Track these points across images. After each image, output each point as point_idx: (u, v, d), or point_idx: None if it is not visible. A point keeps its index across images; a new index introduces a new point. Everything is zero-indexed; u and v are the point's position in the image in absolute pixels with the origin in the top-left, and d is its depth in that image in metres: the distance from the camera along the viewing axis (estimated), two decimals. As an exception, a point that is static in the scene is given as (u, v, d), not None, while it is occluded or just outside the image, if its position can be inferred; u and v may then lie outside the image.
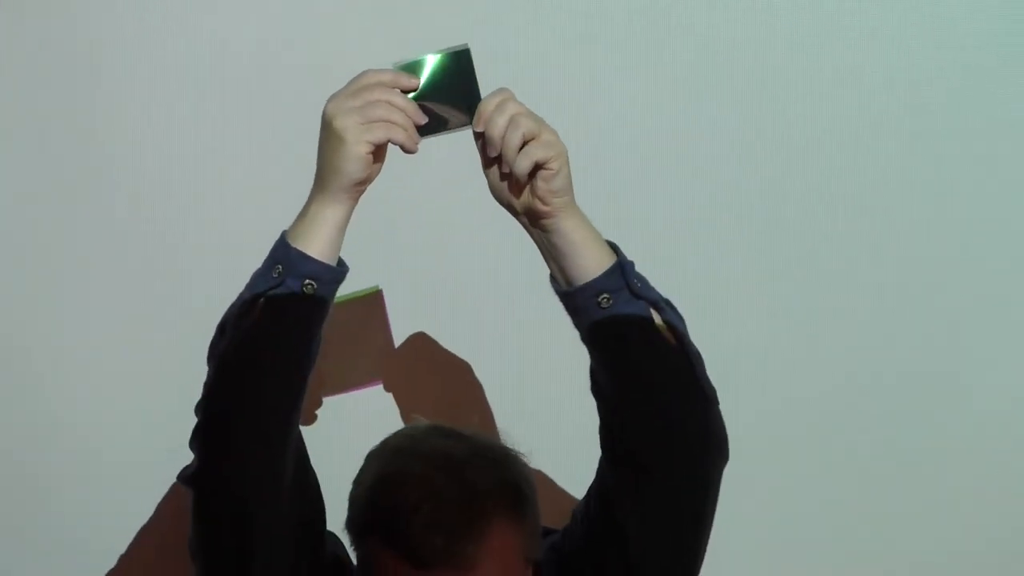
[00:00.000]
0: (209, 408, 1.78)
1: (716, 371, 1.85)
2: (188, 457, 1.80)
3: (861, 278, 2.55)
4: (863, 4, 2.50)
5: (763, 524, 2.58)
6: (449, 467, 1.83)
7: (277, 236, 1.80)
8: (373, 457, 1.90)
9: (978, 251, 2.57)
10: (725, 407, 1.87)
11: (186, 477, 1.81)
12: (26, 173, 2.44)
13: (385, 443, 1.91)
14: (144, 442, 2.43)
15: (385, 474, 1.85)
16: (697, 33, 2.48)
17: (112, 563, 2.47)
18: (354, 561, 1.93)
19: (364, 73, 1.74)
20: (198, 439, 1.80)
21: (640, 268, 1.86)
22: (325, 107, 1.73)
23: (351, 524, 1.88)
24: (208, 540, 1.81)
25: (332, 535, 1.95)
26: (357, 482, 1.89)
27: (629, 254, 1.86)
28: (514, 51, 2.42)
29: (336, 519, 1.92)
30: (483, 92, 1.75)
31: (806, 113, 2.50)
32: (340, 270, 1.78)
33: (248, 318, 1.75)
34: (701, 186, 2.52)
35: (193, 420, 1.81)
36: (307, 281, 1.74)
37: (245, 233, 2.37)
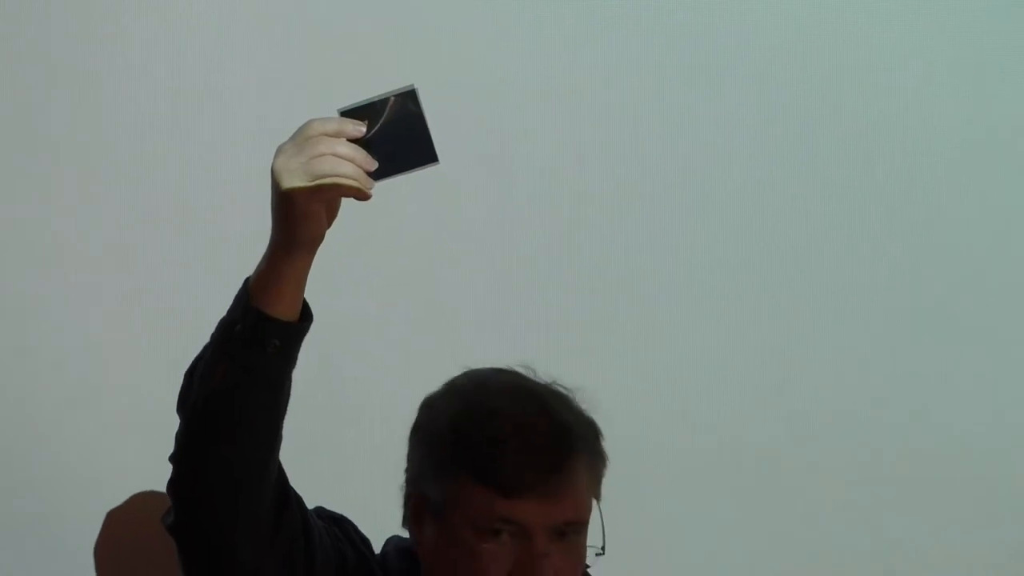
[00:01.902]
0: (181, 462, 1.77)
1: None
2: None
3: (863, 280, 2.56)
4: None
5: (761, 527, 2.58)
6: (533, 401, 1.87)
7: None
8: (445, 398, 1.91)
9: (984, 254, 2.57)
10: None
11: (167, 527, 1.80)
12: (29, 183, 2.44)
13: (453, 384, 1.93)
14: (144, 448, 2.43)
15: (471, 408, 1.86)
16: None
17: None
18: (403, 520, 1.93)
19: (307, 124, 1.69)
20: (173, 491, 1.78)
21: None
22: (273, 162, 1.69)
23: (431, 462, 1.88)
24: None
25: (347, 521, 1.95)
26: (430, 424, 1.89)
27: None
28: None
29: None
30: (432, 128, 1.71)
31: (812, 115, 2.51)
32: (303, 326, 1.75)
33: (214, 375, 1.73)
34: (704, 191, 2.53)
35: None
36: (271, 341, 1.71)
37: (247, 236, 2.37)
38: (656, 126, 2.53)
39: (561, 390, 1.93)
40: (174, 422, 2.41)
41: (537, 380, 1.94)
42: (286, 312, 1.72)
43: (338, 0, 2.48)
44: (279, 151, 1.69)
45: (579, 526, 1.88)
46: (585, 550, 1.91)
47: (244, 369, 1.71)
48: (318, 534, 1.86)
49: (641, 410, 2.51)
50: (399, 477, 1.93)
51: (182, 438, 1.77)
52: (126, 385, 2.46)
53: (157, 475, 2.34)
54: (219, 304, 2.38)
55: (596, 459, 1.91)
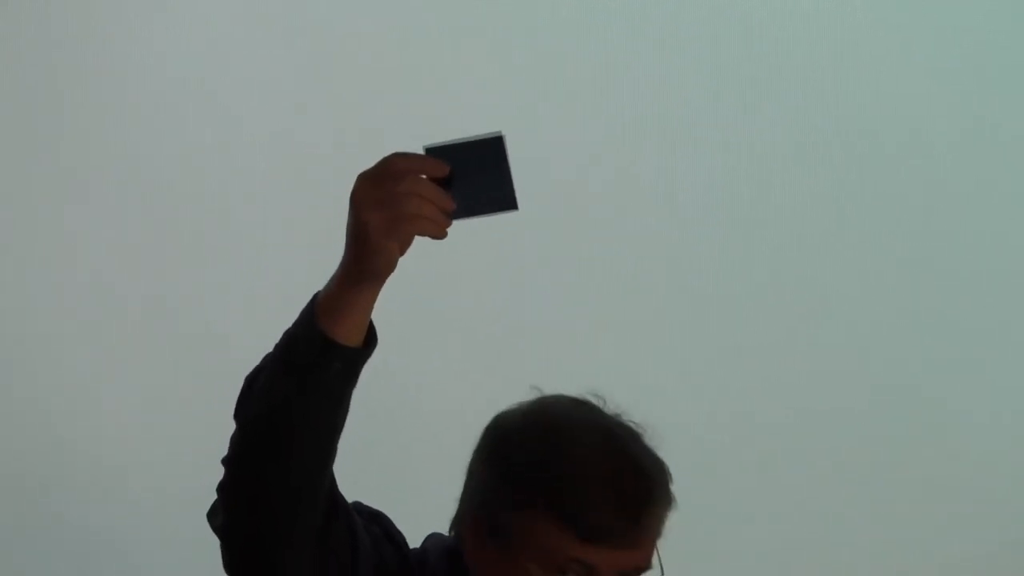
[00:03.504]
0: (236, 468, 1.74)
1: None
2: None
3: (868, 280, 2.58)
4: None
5: (764, 523, 2.60)
6: (618, 446, 1.85)
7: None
8: (524, 430, 1.87)
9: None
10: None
11: (214, 528, 1.79)
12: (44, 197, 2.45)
13: (530, 414, 1.88)
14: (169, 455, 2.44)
15: (556, 447, 1.84)
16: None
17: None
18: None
19: (392, 158, 1.65)
20: (225, 494, 1.77)
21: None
22: (353, 190, 1.64)
23: (507, 493, 1.85)
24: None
25: (384, 517, 1.95)
26: (507, 454, 1.85)
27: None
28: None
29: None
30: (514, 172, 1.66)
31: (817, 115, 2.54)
32: (366, 351, 1.72)
33: (275, 388, 1.70)
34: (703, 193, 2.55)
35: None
36: (334, 364, 1.69)
37: (247, 236, 2.38)
38: (661, 126, 2.55)
39: (634, 427, 1.89)
40: (181, 422, 2.44)
41: (611, 416, 1.89)
42: (351, 337, 1.69)
43: (342, 1, 2.48)
44: (360, 179, 1.64)
45: (644, 571, 1.86)
46: None
47: (305, 386, 1.69)
48: (361, 539, 1.86)
49: (648, 407, 2.52)
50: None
51: (238, 446, 1.74)
52: (132, 384, 2.46)
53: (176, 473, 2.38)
54: (225, 303, 2.40)
55: (669, 507, 1.88)
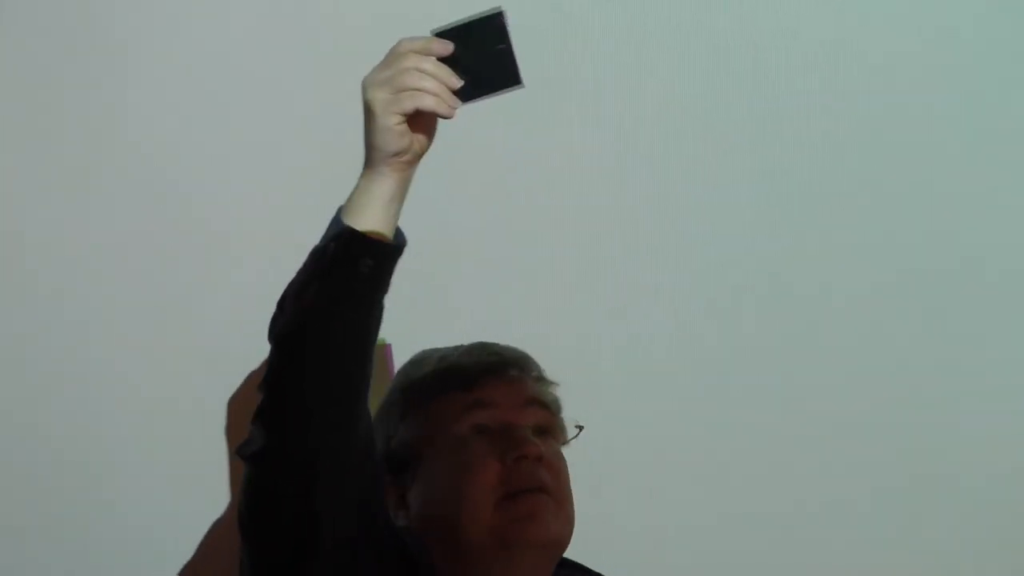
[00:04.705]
0: (272, 387, 1.77)
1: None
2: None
3: (863, 279, 2.58)
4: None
5: (763, 528, 2.60)
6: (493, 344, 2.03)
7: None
8: (411, 363, 2.03)
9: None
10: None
11: (250, 455, 1.78)
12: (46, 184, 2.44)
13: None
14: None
15: (415, 359, 2.00)
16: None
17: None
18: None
19: (398, 43, 1.74)
20: (262, 417, 1.78)
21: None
22: (363, 79, 1.73)
23: (393, 423, 1.97)
24: (266, 516, 1.80)
25: None
26: (402, 381, 2.02)
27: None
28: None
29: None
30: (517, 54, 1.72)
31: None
32: (395, 245, 1.75)
33: (305, 298, 1.73)
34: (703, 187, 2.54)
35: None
36: (362, 260, 1.72)
37: (247, 234, 2.37)
38: (660, 127, 2.55)
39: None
40: (182, 422, 2.43)
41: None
42: (377, 230, 1.74)
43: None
44: (373, 68, 1.73)
45: (550, 416, 2.00)
46: (564, 462, 1.98)
47: (333, 290, 1.72)
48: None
49: (648, 411, 2.53)
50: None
51: (273, 363, 1.77)
52: (132, 384, 2.46)
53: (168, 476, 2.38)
54: (227, 303, 2.40)
55: (535, 367, 2.03)
